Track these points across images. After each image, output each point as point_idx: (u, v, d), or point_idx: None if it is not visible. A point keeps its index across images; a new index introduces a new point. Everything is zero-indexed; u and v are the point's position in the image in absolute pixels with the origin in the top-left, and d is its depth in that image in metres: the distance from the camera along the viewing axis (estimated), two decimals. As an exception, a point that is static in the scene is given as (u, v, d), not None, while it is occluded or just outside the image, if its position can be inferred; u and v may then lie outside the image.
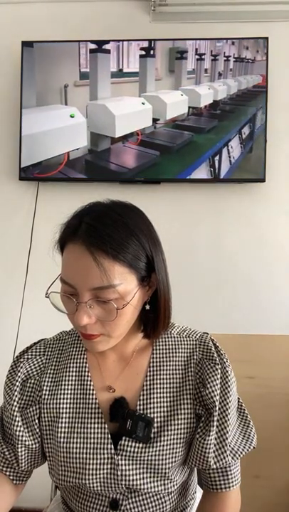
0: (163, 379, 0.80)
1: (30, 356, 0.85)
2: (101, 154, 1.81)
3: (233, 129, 1.77)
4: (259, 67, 1.77)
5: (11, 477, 0.83)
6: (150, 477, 0.75)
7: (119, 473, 0.74)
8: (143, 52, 1.78)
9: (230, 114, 1.78)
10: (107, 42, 1.80)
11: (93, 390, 0.80)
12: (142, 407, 0.78)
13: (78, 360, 0.83)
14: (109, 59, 1.79)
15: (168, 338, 0.84)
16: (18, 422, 0.80)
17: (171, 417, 0.78)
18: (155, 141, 1.79)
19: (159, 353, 0.82)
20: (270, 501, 1.60)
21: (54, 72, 1.82)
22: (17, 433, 0.79)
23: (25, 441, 0.80)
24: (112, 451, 0.76)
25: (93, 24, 1.87)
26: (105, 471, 0.75)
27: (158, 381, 0.80)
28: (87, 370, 0.82)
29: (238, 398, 0.87)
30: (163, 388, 0.79)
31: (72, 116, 1.82)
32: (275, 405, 1.60)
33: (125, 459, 0.75)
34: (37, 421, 0.80)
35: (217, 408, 0.77)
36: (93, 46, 1.80)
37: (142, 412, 0.77)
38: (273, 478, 1.60)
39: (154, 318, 0.79)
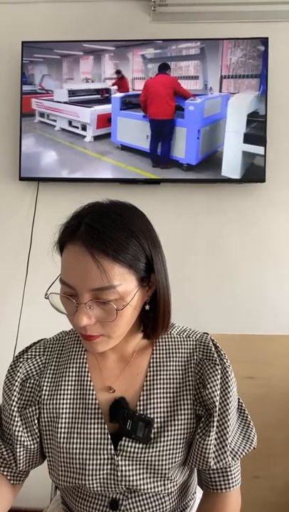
0: (163, 379, 0.80)
1: (29, 356, 0.85)
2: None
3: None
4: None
5: (9, 477, 0.83)
6: (150, 477, 0.75)
7: (119, 473, 0.74)
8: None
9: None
10: (107, 42, 1.80)
11: (93, 390, 0.80)
12: (142, 407, 0.78)
13: (78, 361, 0.83)
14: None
15: (168, 338, 0.84)
16: (17, 422, 0.80)
17: (171, 418, 0.78)
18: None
19: (159, 354, 0.82)
20: (270, 501, 1.60)
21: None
22: (16, 433, 0.79)
23: (23, 441, 0.80)
24: (112, 451, 0.76)
25: (93, 24, 1.87)
26: (105, 471, 0.75)
27: (158, 381, 0.80)
28: (87, 370, 0.82)
29: (239, 398, 0.87)
30: (163, 388, 0.79)
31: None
32: (275, 405, 1.60)
33: (125, 460, 0.75)
34: (36, 421, 0.80)
35: (217, 408, 0.77)
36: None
37: (142, 412, 0.77)
38: (273, 478, 1.60)
39: (153, 318, 0.79)
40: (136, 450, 0.75)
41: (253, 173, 1.74)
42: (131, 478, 0.74)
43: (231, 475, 0.81)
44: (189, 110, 1.76)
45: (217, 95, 1.76)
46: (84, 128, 1.84)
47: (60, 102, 1.85)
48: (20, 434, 0.79)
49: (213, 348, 0.82)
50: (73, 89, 1.85)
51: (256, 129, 1.68)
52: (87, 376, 0.81)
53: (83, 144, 1.84)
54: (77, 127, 1.85)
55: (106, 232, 0.69)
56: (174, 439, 0.77)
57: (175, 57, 1.79)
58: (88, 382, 0.81)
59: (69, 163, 1.83)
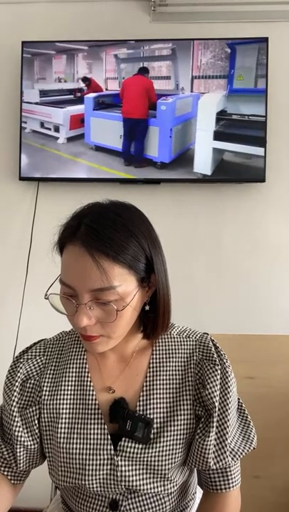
0: (163, 380, 0.80)
1: (30, 356, 0.85)
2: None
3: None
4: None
5: (9, 477, 0.83)
6: (150, 478, 0.75)
7: (118, 473, 0.74)
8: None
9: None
10: (107, 42, 1.79)
11: (93, 390, 0.80)
12: (141, 407, 0.78)
13: (78, 361, 0.83)
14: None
15: (168, 338, 0.84)
16: (18, 422, 0.80)
17: (170, 418, 0.78)
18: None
19: (159, 354, 0.82)
20: (270, 501, 1.60)
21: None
22: (16, 433, 0.79)
23: (24, 441, 0.80)
24: (112, 451, 0.76)
25: (93, 24, 1.87)
26: (105, 471, 0.75)
27: (158, 382, 0.80)
28: (87, 370, 0.82)
29: (238, 398, 0.87)
30: (163, 389, 0.79)
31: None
32: (275, 405, 1.60)
33: (125, 460, 0.75)
34: (36, 421, 0.80)
35: (217, 409, 0.77)
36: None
37: (141, 412, 0.77)
38: (273, 478, 1.60)
39: (153, 318, 0.79)
40: (136, 450, 0.75)
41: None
42: (131, 478, 0.74)
43: (231, 475, 0.81)
44: (161, 110, 1.78)
45: (188, 95, 1.78)
46: (57, 129, 1.84)
47: (31, 103, 1.84)
48: (20, 434, 0.79)
49: (213, 348, 0.82)
50: (45, 90, 1.84)
51: (225, 127, 1.74)
52: (87, 376, 0.81)
53: (56, 146, 1.83)
54: (50, 128, 1.84)
55: (106, 232, 0.69)
56: (173, 440, 0.77)
57: (148, 57, 1.80)
58: (88, 383, 0.81)
59: (42, 166, 1.83)
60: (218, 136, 1.74)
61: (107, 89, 1.82)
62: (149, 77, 1.79)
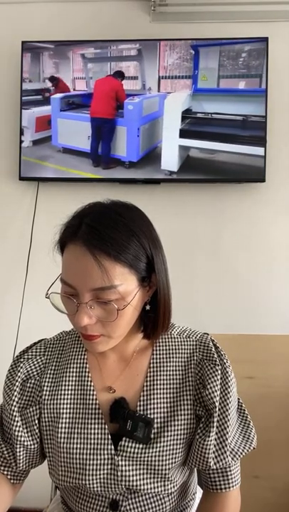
0: (163, 379, 0.80)
1: (30, 356, 0.85)
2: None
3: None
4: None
5: (9, 476, 0.83)
6: (150, 478, 0.75)
7: (119, 473, 0.74)
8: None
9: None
10: (107, 42, 1.80)
11: (93, 390, 0.80)
12: (142, 407, 0.78)
13: (78, 361, 0.83)
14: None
15: (168, 338, 0.84)
16: (18, 422, 0.80)
17: (171, 418, 0.78)
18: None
19: (160, 354, 0.82)
20: (270, 501, 1.60)
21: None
22: (16, 433, 0.79)
23: (23, 441, 0.80)
24: (112, 451, 0.76)
25: (93, 24, 1.87)
26: (105, 471, 0.75)
27: (158, 382, 0.80)
28: (87, 370, 0.82)
29: (238, 398, 0.87)
30: (163, 389, 0.79)
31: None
32: (275, 405, 1.60)
33: (125, 460, 0.75)
34: (37, 421, 0.80)
35: (217, 409, 0.77)
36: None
37: (142, 412, 0.77)
38: (273, 478, 1.60)
39: (154, 318, 0.79)
40: (136, 450, 0.75)
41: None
42: (131, 478, 0.74)
43: (231, 475, 0.81)
44: (129, 109, 1.80)
45: (155, 94, 1.80)
46: (21, 132, 1.83)
47: None
48: (20, 434, 0.79)
49: (213, 349, 0.82)
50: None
51: (190, 125, 1.78)
52: (88, 376, 0.81)
53: (22, 150, 1.83)
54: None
55: (107, 232, 0.69)
56: (174, 439, 0.77)
57: (114, 57, 1.81)
58: (88, 383, 0.81)
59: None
60: (183, 133, 1.78)
61: (74, 90, 1.82)
62: (121, 81, 1.80)
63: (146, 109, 1.80)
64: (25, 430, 0.80)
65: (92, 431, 0.77)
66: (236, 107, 1.75)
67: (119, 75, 1.81)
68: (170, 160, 1.78)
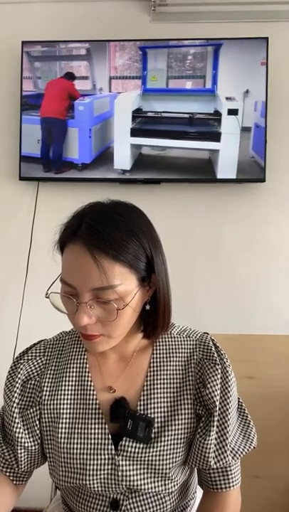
0: (163, 379, 0.80)
1: (30, 357, 0.85)
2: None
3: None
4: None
5: (11, 477, 0.83)
6: (151, 477, 0.75)
7: (119, 473, 0.74)
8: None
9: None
10: (107, 42, 1.80)
11: (93, 390, 0.80)
12: (142, 407, 0.78)
13: (78, 361, 0.83)
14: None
15: (168, 338, 0.84)
16: (18, 423, 0.80)
17: (171, 417, 0.78)
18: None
19: (160, 353, 0.82)
20: (270, 501, 1.60)
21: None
22: (16, 435, 0.79)
23: (24, 443, 0.79)
24: (113, 451, 0.76)
25: (93, 24, 1.87)
26: (106, 471, 0.75)
27: (158, 381, 0.80)
28: (87, 370, 0.82)
29: (239, 398, 0.87)
30: (163, 388, 0.79)
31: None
32: (275, 405, 1.60)
33: (126, 460, 0.75)
34: (37, 422, 0.80)
35: (217, 408, 0.77)
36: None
37: (142, 412, 0.77)
38: (273, 478, 1.60)
39: (154, 318, 0.79)
40: (136, 450, 0.75)
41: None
42: (131, 478, 0.74)
43: (231, 474, 0.81)
44: (79, 110, 1.81)
45: (106, 95, 1.81)
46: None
47: None
48: (21, 435, 0.79)
49: (213, 348, 0.82)
50: None
51: (141, 124, 1.81)
52: (88, 376, 0.81)
53: None
54: None
55: (107, 231, 0.69)
56: (174, 439, 0.77)
57: (63, 56, 1.82)
58: (89, 383, 0.81)
59: None
60: (134, 132, 1.80)
61: (22, 90, 1.82)
62: (72, 82, 1.81)
63: (98, 109, 1.81)
64: (25, 432, 0.80)
65: (93, 431, 0.77)
66: (184, 106, 1.79)
67: (70, 76, 1.81)
68: (123, 159, 1.80)
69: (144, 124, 1.81)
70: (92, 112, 1.81)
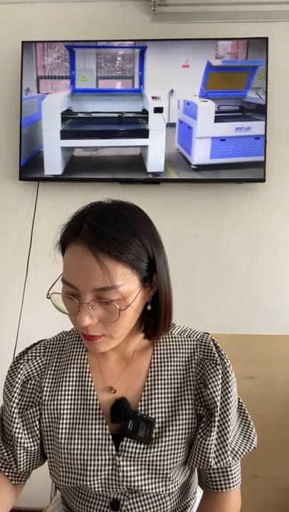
0: (164, 379, 0.80)
1: (30, 357, 0.85)
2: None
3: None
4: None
5: (10, 477, 0.83)
6: (151, 478, 0.75)
7: (120, 474, 0.74)
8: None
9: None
10: (107, 42, 1.79)
11: (94, 390, 0.80)
12: (143, 407, 0.78)
13: (79, 361, 0.83)
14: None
15: (169, 338, 0.84)
16: (18, 424, 0.80)
17: (172, 418, 0.78)
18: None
19: (160, 354, 0.82)
20: (270, 501, 1.60)
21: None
22: (16, 435, 0.79)
23: (23, 443, 0.79)
24: (114, 452, 0.76)
25: (93, 24, 1.87)
26: (106, 471, 0.75)
27: (159, 381, 0.80)
28: (87, 370, 0.82)
29: (239, 398, 0.87)
30: (164, 389, 0.79)
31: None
32: (275, 405, 1.60)
33: (126, 460, 0.75)
34: (37, 422, 0.80)
35: (218, 408, 0.77)
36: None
37: (143, 412, 0.77)
38: (273, 478, 1.60)
39: (155, 318, 0.79)
40: (137, 450, 0.75)
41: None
42: (132, 478, 0.74)
43: (232, 475, 0.81)
44: None
45: (33, 96, 1.80)
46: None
47: None
48: (20, 436, 0.79)
49: (213, 348, 0.82)
50: None
51: (71, 125, 1.80)
52: (88, 376, 0.81)
53: None
54: None
55: (108, 231, 0.69)
56: (175, 439, 0.77)
57: None
58: (89, 383, 0.80)
59: None
60: (65, 134, 1.79)
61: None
62: None
63: (25, 111, 1.78)
64: (25, 432, 0.80)
65: (93, 431, 0.77)
66: (113, 105, 1.79)
67: None
68: (53, 163, 1.79)
69: (74, 125, 1.80)
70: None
